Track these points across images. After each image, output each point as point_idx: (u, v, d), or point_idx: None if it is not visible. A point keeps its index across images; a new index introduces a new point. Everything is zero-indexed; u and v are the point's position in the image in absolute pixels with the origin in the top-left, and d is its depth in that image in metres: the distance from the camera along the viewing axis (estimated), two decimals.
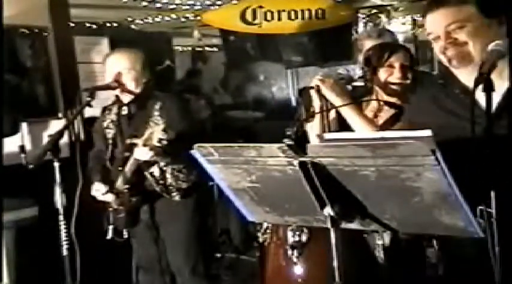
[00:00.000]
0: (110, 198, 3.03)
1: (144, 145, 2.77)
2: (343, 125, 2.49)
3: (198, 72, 7.73)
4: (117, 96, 3.14)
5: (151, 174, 3.00)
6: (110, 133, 3.15)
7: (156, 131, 2.72)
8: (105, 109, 3.23)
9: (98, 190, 3.03)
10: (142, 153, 2.84)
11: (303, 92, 2.48)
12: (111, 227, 3.07)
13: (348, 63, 5.45)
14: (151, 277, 3.27)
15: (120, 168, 3.00)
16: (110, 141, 3.14)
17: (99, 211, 3.13)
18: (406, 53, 2.55)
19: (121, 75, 3.04)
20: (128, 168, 2.94)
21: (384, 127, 2.39)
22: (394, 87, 2.49)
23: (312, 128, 2.49)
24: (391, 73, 2.50)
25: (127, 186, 2.98)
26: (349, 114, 2.39)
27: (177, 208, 3.10)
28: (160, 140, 2.71)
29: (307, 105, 2.41)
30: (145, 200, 3.07)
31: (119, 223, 3.06)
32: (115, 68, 3.07)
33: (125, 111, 3.12)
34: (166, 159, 2.96)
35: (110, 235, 3.06)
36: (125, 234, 3.06)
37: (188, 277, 3.17)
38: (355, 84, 2.55)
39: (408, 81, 2.49)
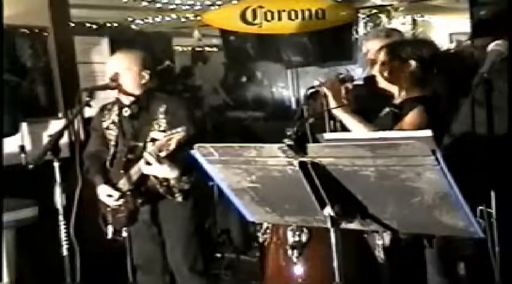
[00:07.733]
0: (120, 202, 3.01)
1: (159, 151, 2.74)
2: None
3: (191, 69, 7.74)
4: (117, 97, 3.12)
5: (154, 175, 2.99)
6: (112, 134, 3.13)
7: (175, 138, 2.69)
8: (104, 109, 3.21)
9: (111, 196, 2.99)
10: (153, 169, 2.83)
11: (309, 94, 2.51)
12: (110, 227, 3.05)
13: (348, 63, 5.45)
14: (150, 276, 3.26)
15: (122, 171, 2.98)
16: (112, 143, 3.12)
17: (98, 210, 3.13)
18: (386, 50, 2.59)
19: (118, 75, 3.01)
20: (134, 171, 2.92)
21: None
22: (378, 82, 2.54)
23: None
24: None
25: (131, 188, 2.97)
26: (343, 116, 2.45)
27: (175, 207, 3.09)
28: (179, 144, 2.68)
29: (312, 105, 2.45)
30: (147, 201, 3.05)
31: (118, 222, 3.04)
32: (113, 68, 3.05)
33: (127, 112, 3.08)
34: (176, 172, 2.91)
35: (110, 236, 3.06)
36: (124, 233, 3.04)
37: (187, 275, 3.15)
38: (356, 83, 2.56)
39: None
